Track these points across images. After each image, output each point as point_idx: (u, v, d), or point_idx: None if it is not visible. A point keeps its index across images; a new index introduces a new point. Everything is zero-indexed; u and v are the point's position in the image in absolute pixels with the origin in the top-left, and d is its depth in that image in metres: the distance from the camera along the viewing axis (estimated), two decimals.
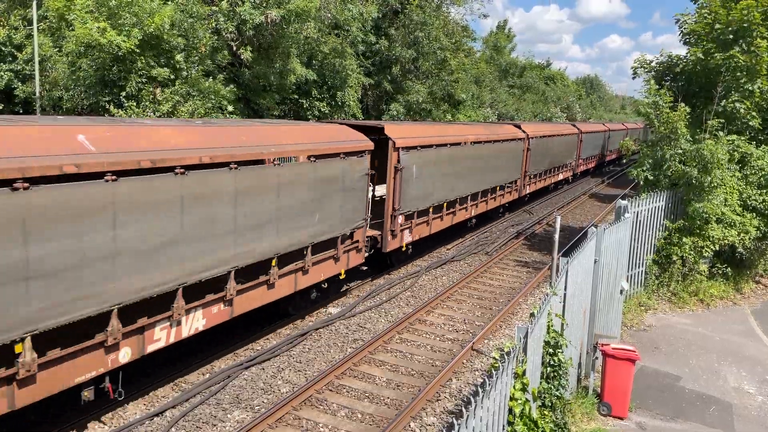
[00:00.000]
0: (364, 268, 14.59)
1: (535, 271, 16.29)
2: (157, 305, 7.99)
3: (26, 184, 6.00)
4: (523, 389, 6.43)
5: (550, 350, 7.76)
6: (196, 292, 8.63)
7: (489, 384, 5.50)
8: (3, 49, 19.04)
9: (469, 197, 18.68)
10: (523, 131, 24.31)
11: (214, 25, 18.56)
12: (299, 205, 10.44)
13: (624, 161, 54.24)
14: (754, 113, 16.22)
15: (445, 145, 16.51)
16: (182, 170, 7.91)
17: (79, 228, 6.61)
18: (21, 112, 19.32)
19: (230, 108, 17.90)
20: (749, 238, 15.36)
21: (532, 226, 22.45)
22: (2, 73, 18.80)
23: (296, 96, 22.76)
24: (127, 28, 15.51)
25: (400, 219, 14.54)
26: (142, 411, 8.22)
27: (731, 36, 16.21)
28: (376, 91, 29.07)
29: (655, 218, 15.13)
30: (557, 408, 7.74)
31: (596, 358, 10.25)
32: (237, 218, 8.98)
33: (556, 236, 11.63)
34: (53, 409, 7.75)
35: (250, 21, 18.31)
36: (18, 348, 6.21)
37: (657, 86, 16.48)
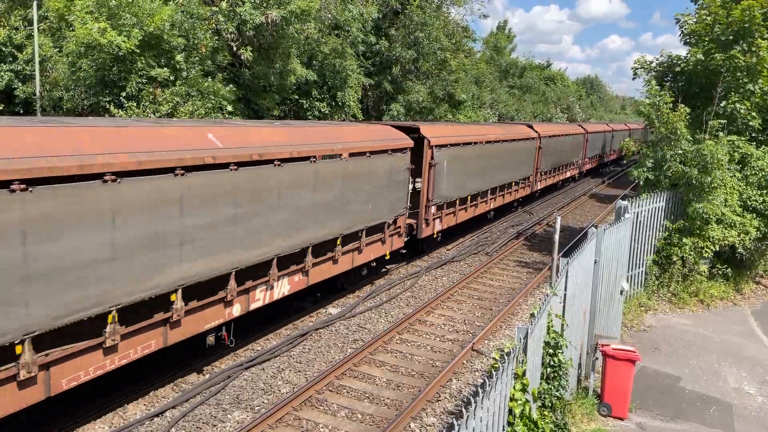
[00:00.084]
0: (404, 251, 16.05)
1: (536, 272, 16.29)
2: (257, 272, 9.84)
3: (182, 171, 7.91)
4: (523, 390, 6.43)
5: (550, 351, 7.76)
6: (283, 264, 10.41)
7: (489, 384, 5.50)
8: (3, 49, 19.04)
9: (489, 191, 20.62)
10: (535, 131, 25.98)
11: (214, 25, 18.56)
12: (360, 193, 12.34)
13: (624, 162, 54.37)
14: (754, 114, 16.22)
15: (470, 143, 18.21)
16: (279, 162, 9.74)
17: (214, 205, 8.52)
18: (21, 112, 19.32)
19: (229, 108, 17.89)
20: (749, 239, 15.35)
21: (533, 227, 22.46)
22: (3, 74, 18.80)
23: (296, 96, 22.75)
24: (127, 29, 15.51)
25: (433, 209, 16.34)
26: (142, 411, 8.22)
27: (731, 36, 16.21)
28: (377, 91, 29.06)
29: (655, 219, 15.13)
30: (557, 408, 7.74)
31: (596, 358, 10.25)
32: (315, 203, 10.85)
33: (556, 237, 11.63)
34: (53, 409, 7.76)
35: (251, 21, 18.31)
36: (173, 297, 8.12)
37: (658, 87, 16.48)
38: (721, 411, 9.97)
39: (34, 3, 17.62)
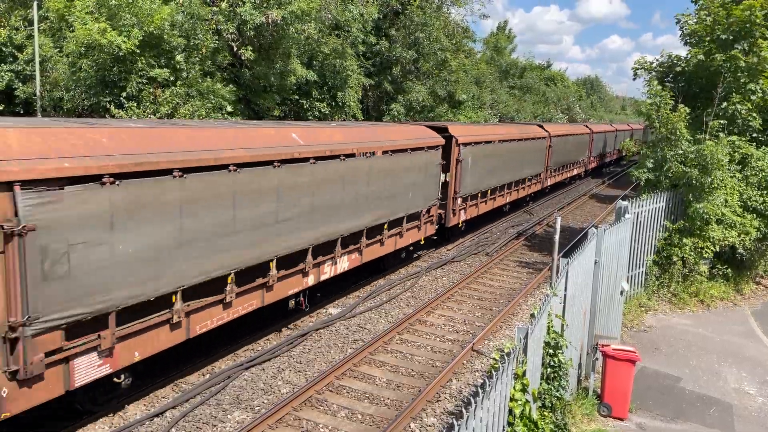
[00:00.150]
0: (434, 237, 17.77)
1: (536, 272, 16.29)
2: (325, 249, 11.66)
3: (278, 164, 9.80)
4: (523, 390, 6.43)
5: (551, 351, 7.76)
6: (344, 244, 12.27)
7: (489, 385, 5.50)
8: (4, 49, 19.03)
9: (505, 186, 22.48)
10: (546, 131, 27.79)
11: (214, 26, 18.56)
12: (402, 184, 14.20)
13: (623, 162, 54.47)
14: (754, 114, 16.21)
15: (490, 141, 19.96)
16: (344, 158, 11.63)
17: (298, 193, 10.35)
18: (21, 112, 19.31)
19: (229, 108, 17.89)
20: (749, 239, 15.35)
21: (533, 227, 22.46)
22: (3, 74, 18.79)
23: (296, 96, 22.75)
24: (127, 29, 15.51)
25: (459, 201, 18.11)
26: (143, 411, 8.22)
27: (732, 36, 16.21)
28: (377, 91, 29.04)
29: (655, 219, 15.13)
30: (557, 409, 7.74)
31: (596, 359, 10.25)
32: (369, 193, 12.76)
33: (557, 237, 11.64)
34: (53, 409, 7.75)
35: (251, 21, 18.31)
36: (271, 265, 10.00)
37: (659, 87, 16.49)
38: (722, 411, 9.97)
39: (35, 3, 17.62)
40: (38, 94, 17.98)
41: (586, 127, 38.83)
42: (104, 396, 8.12)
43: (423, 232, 15.97)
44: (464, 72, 36.89)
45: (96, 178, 6.81)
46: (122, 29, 15.53)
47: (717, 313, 14.95)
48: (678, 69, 17.89)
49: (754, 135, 16.56)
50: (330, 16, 22.36)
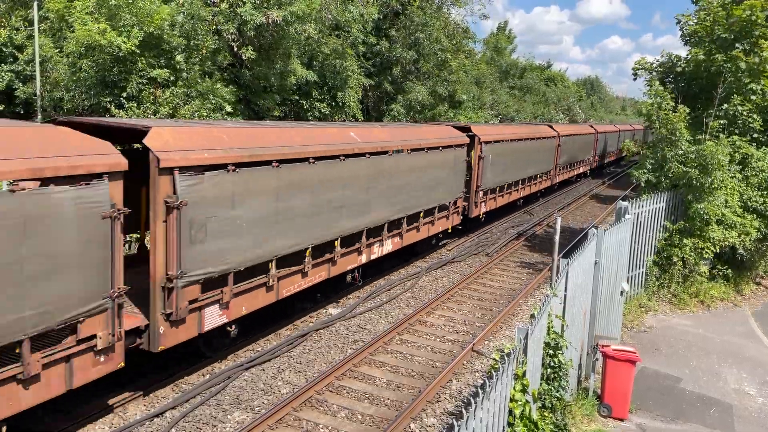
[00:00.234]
0: (459, 227, 19.23)
1: (536, 273, 16.28)
2: (375, 233, 13.41)
3: (343, 158, 11.53)
4: (523, 390, 6.43)
5: (551, 351, 7.76)
6: (388, 229, 13.95)
7: (489, 385, 5.50)
8: (4, 50, 19.05)
9: (520, 182, 24.21)
10: (555, 131, 29.46)
11: (215, 27, 18.57)
12: (436, 177, 15.89)
13: (623, 163, 54.55)
14: (755, 116, 16.21)
15: (507, 140, 21.68)
16: (391, 153, 13.43)
17: (357, 183, 12.12)
18: (22, 112, 19.33)
19: (228, 108, 17.90)
20: (750, 240, 15.35)
21: (533, 227, 22.46)
22: (3, 74, 18.81)
23: (297, 97, 22.75)
24: (127, 29, 15.51)
25: (480, 194, 19.78)
26: (143, 411, 8.22)
27: (732, 36, 16.21)
28: (377, 92, 29.04)
29: (655, 219, 15.13)
30: (557, 409, 7.74)
31: (596, 359, 10.25)
32: (409, 184, 14.44)
33: (557, 237, 11.64)
34: (53, 409, 7.76)
35: (251, 21, 18.32)
36: (336, 243, 11.75)
37: (661, 87, 16.49)
38: (722, 412, 9.97)
39: (35, 4, 17.64)
40: (38, 94, 17.99)
41: (591, 127, 40.67)
42: (219, 341, 9.84)
43: (450, 222, 17.72)
44: (464, 72, 36.88)
45: (223, 167, 8.68)
46: (122, 29, 15.53)
47: (717, 313, 14.95)
48: (678, 69, 17.89)
49: (755, 135, 16.56)
50: (330, 16, 22.36)
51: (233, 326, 9.68)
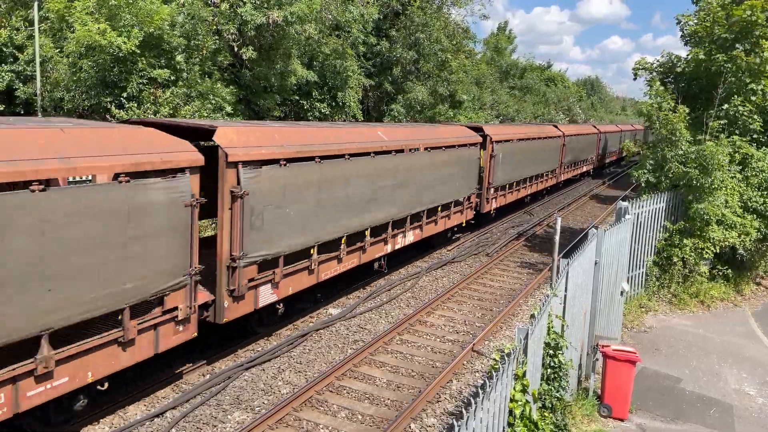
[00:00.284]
0: (472, 222, 20.25)
1: (536, 273, 16.28)
2: (399, 224, 14.54)
3: (374, 155, 12.73)
4: (524, 391, 6.43)
5: (551, 352, 7.76)
6: (410, 222, 15.02)
7: (489, 385, 5.50)
8: (4, 50, 19.02)
9: (528, 179, 25.30)
10: (560, 130, 30.45)
11: (215, 27, 18.56)
12: (451, 174, 16.98)
13: (623, 163, 54.67)
14: (755, 116, 16.21)
15: (516, 140, 22.74)
16: (411, 150, 14.57)
17: (383, 178, 13.18)
18: (22, 113, 19.31)
19: (229, 109, 17.89)
20: (750, 240, 15.34)
21: (533, 228, 22.45)
22: (3, 74, 18.79)
23: (297, 97, 22.75)
24: (127, 29, 15.51)
25: (492, 191, 20.86)
26: (143, 412, 8.22)
27: (733, 36, 16.21)
28: (377, 92, 29.04)
29: (655, 220, 15.13)
30: (557, 409, 7.74)
31: (596, 359, 10.25)
32: (428, 180, 15.45)
33: (557, 237, 11.64)
34: (53, 409, 7.75)
35: (252, 22, 18.31)
36: (366, 233, 12.92)
37: (661, 87, 16.48)
38: (722, 412, 9.97)
39: (35, 4, 17.62)
40: (39, 94, 17.98)
41: (595, 127, 41.90)
42: (269, 317, 10.93)
43: (465, 216, 18.81)
44: (464, 73, 36.87)
45: (276, 161, 9.77)
46: (122, 30, 15.53)
47: (717, 313, 14.95)
48: (678, 70, 17.89)
49: (755, 136, 16.56)
50: (330, 16, 22.36)
51: (281, 305, 10.77)
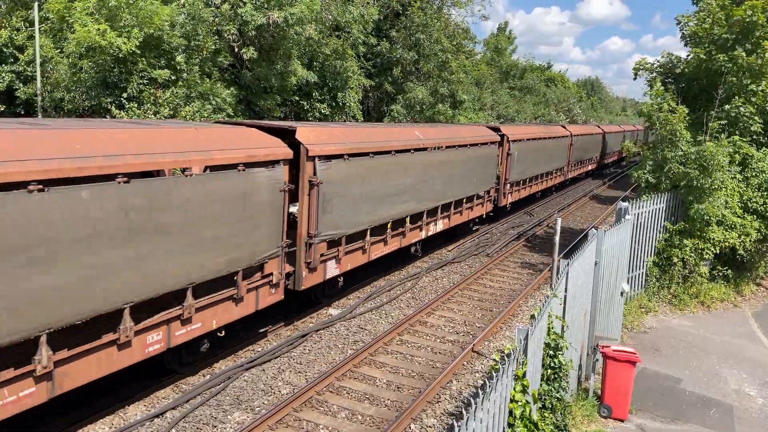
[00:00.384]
0: (491, 214, 21.91)
1: (536, 273, 16.28)
2: (431, 214, 16.13)
3: (413, 152, 14.31)
4: (524, 391, 6.43)
5: (551, 352, 7.76)
6: (440, 212, 16.68)
7: (489, 386, 5.51)
8: (5, 50, 19.02)
9: (539, 176, 27.00)
10: (568, 131, 32.04)
11: (215, 28, 18.57)
12: (475, 169, 18.62)
13: (624, 163, 54.71)
14: (756, 118, 16.21)
15: (529, 139, 24.29)
16: (444, 148, 16.15)
17: (417, 172, 14.71)
18: (22, 113, 19.31)
19: (230, 111, 17.89)
20: (750, 241, 15.34)
21: (533, 228, 22.46)
22: (4, 75, 18.78)
23: (297, 97, 22.75)
24: (127, 29, 15.51)
25: (508, 186, 22.49)
26: (143, 412, 8.22)
27: (733, 37, 16.21)
28: (377, 92, 29.06)
29: (655, 220, 15.13)
30: (558, 410, 7.73)
31: (597, 360, 10.25)
32: (455, 175, 16.99)
33: (557, 238, 11.64)
34: (53, 409, 7.76)
35: (252, 22, 18.32)
36: (406, 220, 14.51)
37: (662, 87, 16.48)
38: (722, 413, 9.97)
39: (35, 4, 17.63)
40: (39, 94, 17.98)
41: (599, 127, 43.93)
42: (331, 289, 12.76)
43: (485, 208, 20.54)
44: (464, 73, 36.89)
45: (340, 156, 11.46)
46: (122, 30, 15.53)
47: (717, 314, 14.95)
48: (678, 71, 17.90)
49: (754, 137, 16.56)
50: (330, 17, 22.37)
51: (341, 278, 12.57)
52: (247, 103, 20.65)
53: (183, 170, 8.14)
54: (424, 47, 28.91)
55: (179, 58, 16.72)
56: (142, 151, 7.51)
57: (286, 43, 19.86)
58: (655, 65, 18.54)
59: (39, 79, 17.75)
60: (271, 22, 18.48)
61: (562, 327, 8.34)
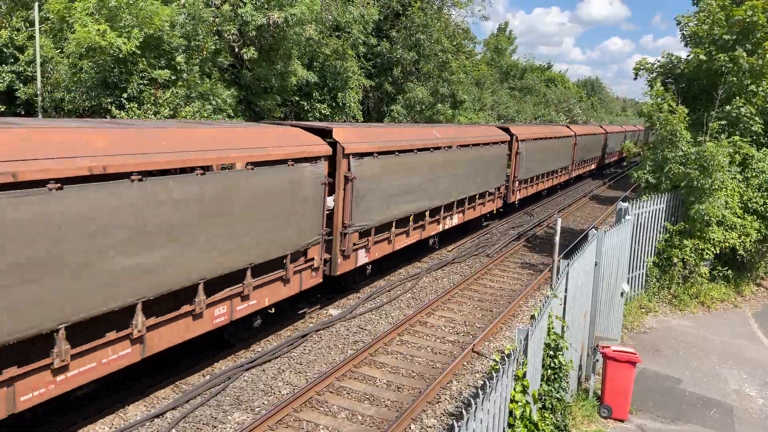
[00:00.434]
0: (501, 210, 22.89)
1: (536, 274, 16.28)
2: (448, 208, 17.14)
3: (432, 150, 15.30)
4: (524, 391, 6.42)
5: (551, 352, 7.75)
6: (456, 207, 17.77)
7: (489, 386, 5.51)
8: (5, 50, 19.02)
9: (546, 174, 28.04)
10: (572, 131, 33.04)
11: (215, 28, 18.57)
12: (487, 167, 19.52)
13: (624, 164, 54.73)
14: (756, 118, 16.20)
15: (535, 139, 25.36)
16: (459, 147, 17.21)
17: (436, 170, 15.66)
18: (23, 113, 19.32)
19: (230, 111, 17.89)
20: (750, 241, 15.34)
21: (533, 228, 22.45)
22: (4, 75, 18.79)
23: (297, 98, 22.75)
24: (127, 30, 15.51)
25: (516, 183, 23.45)
26: (143, 412, 8.22)
27: (733, 37, 16.21)
28: (377, 92, 29.06)
29: (655, 221, 15.12)
30: (558, 410, 7.73)
31: (597, 360, 10.25)
32: (467, 172, 17.83)
33: (557, 238, 11.64)
34: (53, 410, 7.76)
35: (252, 23, 18.32)
36: (426, 214, 15.59)
37: (662, 87, 16.48)
38: (722, 413, 9.97)
39: (36, 4, 17.63)
40: (39, 95, 17.99)
41: (601, 127, 45.07)
42: (360, 276, 13.81)
43: (495, 205, 21.67)
44: (465, 73, 36.90)
45: (371, 154, 12.49)
46: (122, 30, 15.53)
47: (717, 314, 14.95)
48: (678, 71, 17.90)
49: (755, 137, 16.56)
50: (330, 17, 22.37)
51: (369, 266, 13.69)
52: (247, 103, 20.66)
53: (247, 164, 9.18)
54: (425, 47, 28.92)
55: (179, 59, 16.72)
56: (216, 148, 8.67)
57: (287, 44, 19.87)
58: (655, 65, 18.54)
59: (39, 79, 17.75)
60: (271, 22, 18.48)
61: (562, 327, 8.34)
